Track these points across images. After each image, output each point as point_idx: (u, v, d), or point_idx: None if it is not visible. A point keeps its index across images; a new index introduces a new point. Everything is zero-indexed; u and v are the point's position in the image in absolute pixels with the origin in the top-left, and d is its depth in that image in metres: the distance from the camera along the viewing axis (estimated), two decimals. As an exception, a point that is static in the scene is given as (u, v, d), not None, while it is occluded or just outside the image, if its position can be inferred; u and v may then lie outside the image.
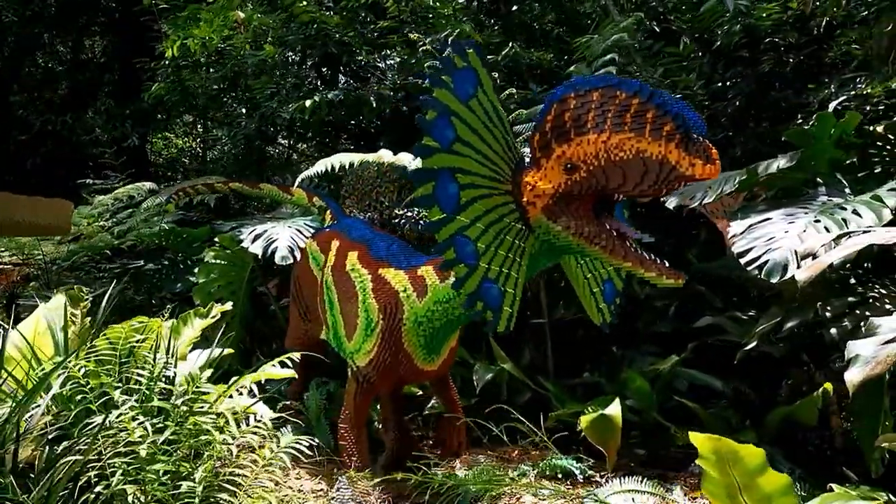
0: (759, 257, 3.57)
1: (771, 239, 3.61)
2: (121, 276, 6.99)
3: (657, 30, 7.05)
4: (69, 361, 3.57)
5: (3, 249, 7.34)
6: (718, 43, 6.46)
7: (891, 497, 3.09)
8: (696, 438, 2.98)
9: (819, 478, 3.83)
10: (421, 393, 5.84)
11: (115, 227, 7.24)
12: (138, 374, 3.71)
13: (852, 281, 3.84)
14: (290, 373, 4.16)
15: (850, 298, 3.64)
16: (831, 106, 5.07)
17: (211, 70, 9.30)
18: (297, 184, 6.07)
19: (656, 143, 3.19)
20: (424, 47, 7.20)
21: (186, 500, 3.22)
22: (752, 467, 2.90)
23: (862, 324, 3.33)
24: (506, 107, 3.81)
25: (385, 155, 5.48)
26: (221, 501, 3.30)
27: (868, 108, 5.06)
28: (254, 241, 5.58)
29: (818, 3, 6.29)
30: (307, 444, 3.72)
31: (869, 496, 3.06)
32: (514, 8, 8.61)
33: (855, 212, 3.50)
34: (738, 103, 6.22)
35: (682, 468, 4.64)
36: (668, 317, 5.83)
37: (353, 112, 8.21)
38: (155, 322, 4.05)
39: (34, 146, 12.58)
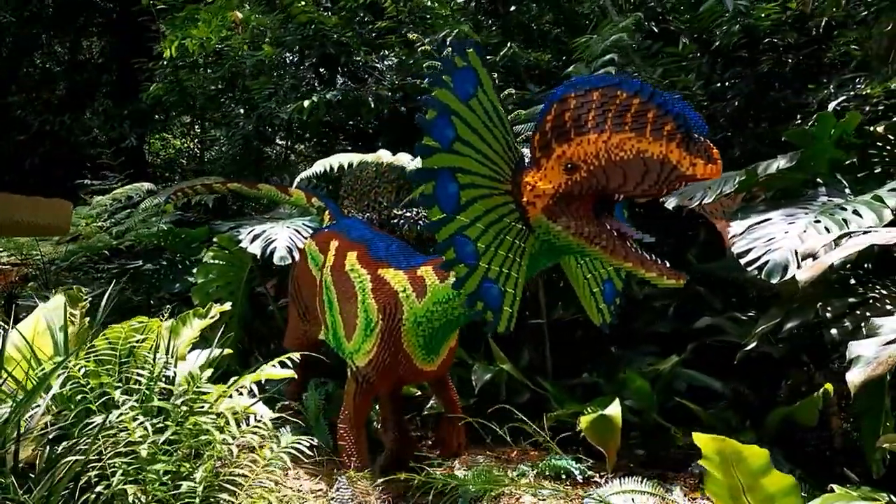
0: (759, 258, 3.55)
1: (771, 239, 3.60)
2: (119, 277, 6.97)
3: (656, 30, 7.05)
4: (69, 361, 3.56)
5: (1, 250, 7.31)
6: (717, 43, 6.46)
7: (892, 498, 3.09)
8: (700, 439, 2.97)
9: (818, 479, 3.83)
10: (420, 393, 5.84)
11: (114, 227, 7.23)
12: (138, 374, 3.71)
13: (852, 281, 3.83)
14: (289, 373, 4.16)
15: (851, 299, 3.64)
16: (830, 106, 5.07)
17: (209, 70, 9.29)
18: (295, 184, 6.07)
19: (657, 143, 3.20)
20: (423, 48, 7.20)
21: (187, 500, 3.21)
22: (756, 468, 2.89)
23: (863, 324, 3.33)
24: (504, 107, 3.80)
25: (384, 155, 5.48)
26: (222, 501, 3.30)
27: (867, 108, 5.05)
28: (252, 241, 5.57)
29: (817, 4, 6.29)
30: (307, 445, 3.71)
31: (870, 497, 3.06)
32: (513, 8, 8.61)
33: (856, 212, 3.49)
34: (736, 103, 6.22)
35: (681, 469, 4.64)
36: (667, 317, 5.84)
37: (351, 112, 8.20)
38: (154, 322, 4.05)
39: (32, 146, 12.54)
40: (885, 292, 3.58)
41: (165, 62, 8.80)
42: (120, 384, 3.64)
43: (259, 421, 3.74)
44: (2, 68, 13.58)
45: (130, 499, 3.07)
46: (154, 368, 3.76)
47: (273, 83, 8.51)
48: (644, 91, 3.24)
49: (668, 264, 3.49)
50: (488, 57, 7.01)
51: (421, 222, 5.26)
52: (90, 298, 4.68)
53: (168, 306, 5.89)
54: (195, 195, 6.53)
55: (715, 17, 6.34)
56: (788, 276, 3.38)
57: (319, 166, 5.71)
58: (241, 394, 3.90)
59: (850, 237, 3.28)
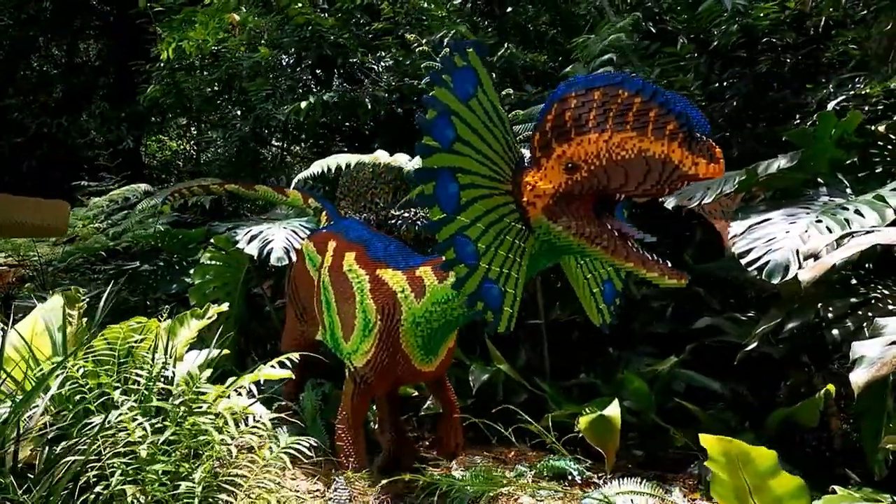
0: (759, 258, 3.55)
1: (772, 239, 3.59)
2: (116, 278, 6.95)
3: (653, 30, 7.05)
4: (68, 362, 3.55)
5: (-2, 251, 7.31)
6: (715, 43, 6.46)
7: (894, 499, 3.08)
8: (706, 440, 2.96)
9: (818, 480, 3.82)
10: (416, 394, 5.82)
11: (111, 228, 7.22)
12: (137, 375, 3.69)
13: (854, 281, 3.83)
14: (287, 373, 4.14)
15: (853, 299, 3.63)
16: (829, 106, 5.07)
17: (206, 72, 9.28)
18: (292, 185, 6.05)
19: (659, 142, 3.18)
20: (419, 49, 7.19)
21: (186, 501, 3.19)
22: (764, 469, 2.88)
23: (865, 325, 3.32)
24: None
25: (381, 156, 5.47)
26: (220, 502, 3.28)
27: (867, 108, 5.05)
28: (249, 242, 5.55)
29: (816, 3, 6.30)
30: (306, 446, 3.69)
31: (873, 498, 3.05)
32: (509, 9, 8.62)
33: (858, 212, 3.48)
34: (735, 103, 6.21)
35: (680, 469, 4.64)
36: (665, 318, 5.84)
37: (348, 114, 8.20)
38: (153, 322, 4.03)
39: (30, 149, 12.54)
40: (887, 292, 3.58)
41: (162, 64, 8.79)
42: (119, 384, 3.62)
43: (258, 421, 3.72)
44: (-1, 71, 13.60)
45: (129, 499, 3.05)
46: (153, 369, 3.74)
47: (270, 85, 8.50)
48: (646, 90, 3.22)
49: (669, 264, 3.48)
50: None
51: (419, 223, 5.25)
52: (88, 299, 4.66)
53: (165, 307, 5.88)
54: (192, 196, 6.52)
55: (713, 16, 6.34)
56: (790, 276, 3.37)
57: (317, 167, 5.69)
58: (239, 394, 3.89)
59: (853, 237, 3.27)
